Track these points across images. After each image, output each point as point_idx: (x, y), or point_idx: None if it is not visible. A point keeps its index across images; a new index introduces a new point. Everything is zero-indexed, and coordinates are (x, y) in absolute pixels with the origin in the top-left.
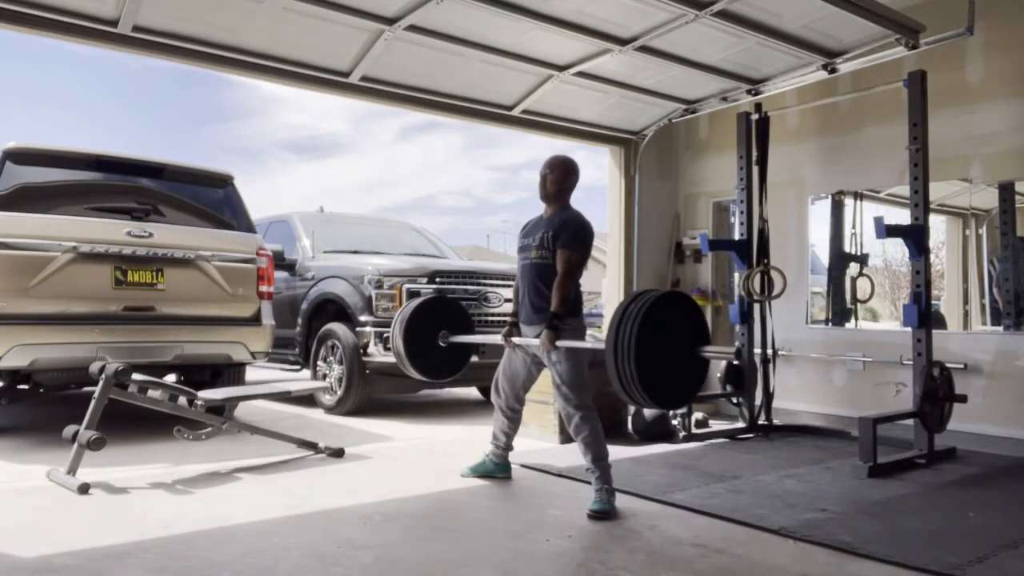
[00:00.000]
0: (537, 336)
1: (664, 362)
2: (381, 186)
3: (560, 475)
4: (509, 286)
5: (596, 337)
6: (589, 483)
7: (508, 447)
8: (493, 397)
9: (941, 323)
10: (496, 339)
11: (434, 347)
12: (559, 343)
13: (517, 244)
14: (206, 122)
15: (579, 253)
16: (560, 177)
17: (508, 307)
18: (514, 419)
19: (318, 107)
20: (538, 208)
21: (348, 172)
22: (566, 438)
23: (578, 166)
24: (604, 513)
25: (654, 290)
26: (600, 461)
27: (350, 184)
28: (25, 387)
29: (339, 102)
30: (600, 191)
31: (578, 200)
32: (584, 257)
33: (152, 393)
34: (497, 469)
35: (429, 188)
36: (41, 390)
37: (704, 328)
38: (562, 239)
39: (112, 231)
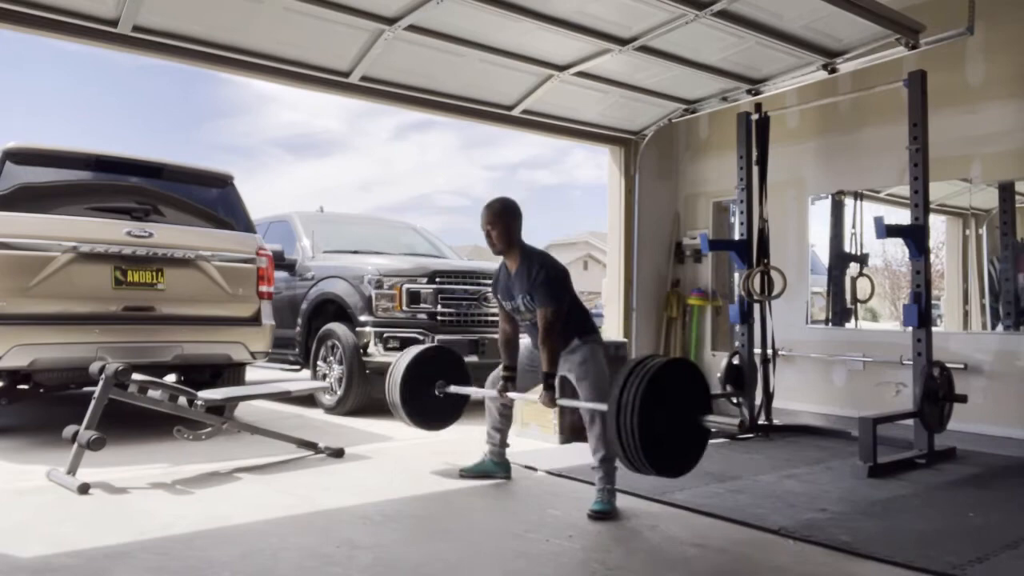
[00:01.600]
0: (567, 370)
1: (667, 430)
2: (377, 185)
3: (560, 475)
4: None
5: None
6: (590, 483)
7: (504, 444)
8: (487, 397)
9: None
10: (492, 392)
11: (431, 398)
12: (553, 397)
13: (504, 306)
14: (198, 120)
15: (555, 307)
16: (504, 230)
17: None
18: (506, 415)
19: (312, 105)
20: (536, 208)
21: (343, 171)
22: (566, 438)
23: (516, 204)
24: (605, 513)
25: (657, 356)
26: (608, 462)
27: (346, 183)
28: (25, 387)
29: (333, 100)
30: (600, 191)
31: (577, 200)
32: (561, 307)
33: (152, 393)
34: (497, 468)
35: (425, 187)
36: (41, 390)
37: (707, 396)
38: (537, 298)
39: (112, 231)
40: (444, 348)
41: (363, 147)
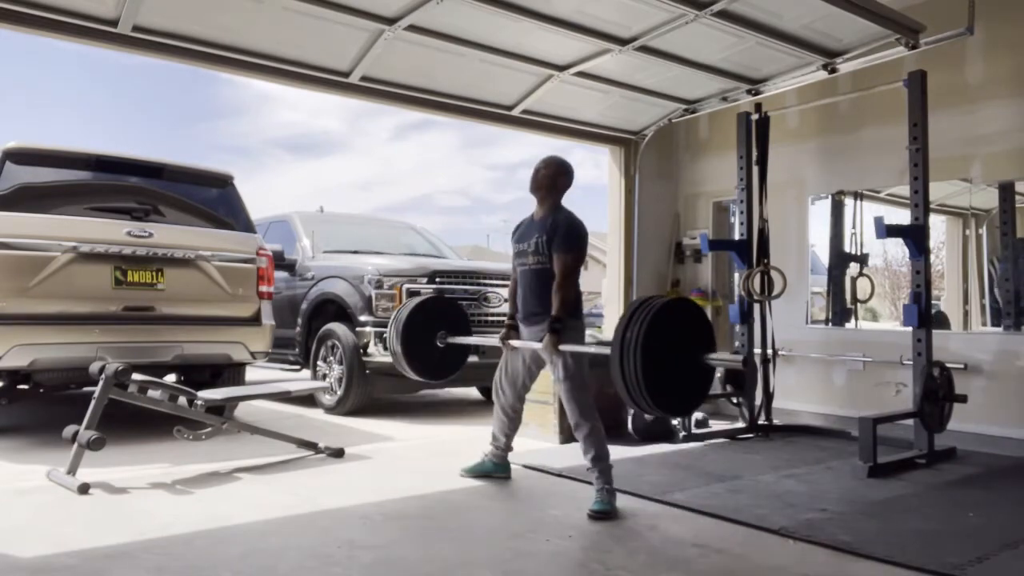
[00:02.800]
0: (539, 339)
1: (669, 368)
2: (377, 185)
3: (560, 475)
4: (508, 286)
5: (596, 337)
6: (589, 483)
7: (508, 447)
8: (495, 397)
9: (944, 323)
10: (494, 341)
11: (432, 347)
12: (562, 347)
13: (512, 247)
14: (197, 120)
15: (575, 255)
16: (554, 174)
17: (507, 307)
18: (515, 419)
19: (311, 105)
20: (527, 211)
21: (343, 171)
22: (566, 438)
23: (573, 171)
24: (605, 513)
25: (660, 296)
26: (601, 461)
27: (346, 183)
28: (25, 387)
29: (332, 100)
30: (600, 191)
31: (577, 200)
32: (580, 258)
33: (152, 393)
34: (496, 469)
35: (426, 187)
36: (41, 390)
37: (710, 335)
38: (556, 243)
39: (112, 231)
40: (446, 299)
41: (363, 147)
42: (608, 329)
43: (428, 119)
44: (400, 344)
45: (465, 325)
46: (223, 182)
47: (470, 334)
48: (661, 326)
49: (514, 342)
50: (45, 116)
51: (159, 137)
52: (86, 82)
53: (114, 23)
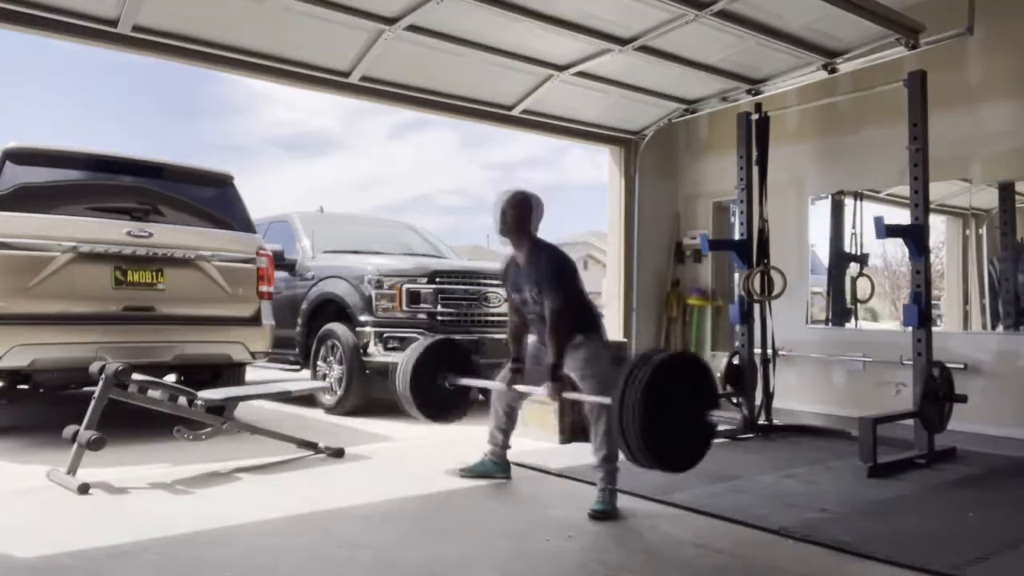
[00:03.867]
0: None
1: (671, 426)
2: (375, 184)
3: (560, 475)
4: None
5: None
6: (589, 483)
7: (506, 446)
8: (493, 397)
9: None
10: (500, 385)
11: (438, 389)
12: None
13: (512, 299)
14: (191, 118)
15: (562, 297)
16: (520, 214)
17: (507, 331)
18: (512, 417)
19: (308, 104)
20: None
21: (341, 170)
22: (566, 438)
23: (540, 201)
24: (605, 514)
25: (661, 351)
26: (610, 462)
27: (344, 182)
28: (25, 387)
29: (329, 99)
30: (597, 190)
31: (575, 199)
32: (571, 297)
33: (152, 393)
34: (496, 469)
35: (425, 187)
36: (41, 390)
37: (713, 391)
38: (544, 290)
39: (112, 231)
40: (453, 340)
41: (360, 146)
42: (608, 331)
43: (425, 118)
44: (408, 389)
45: (471, 364)
46: (223, 182)
47: (478, 373)
48: (663, 382)
49: (520, 387)
50: (32, 113)
51: (152, 135)
52: (75, 79)
53: (114, 23)
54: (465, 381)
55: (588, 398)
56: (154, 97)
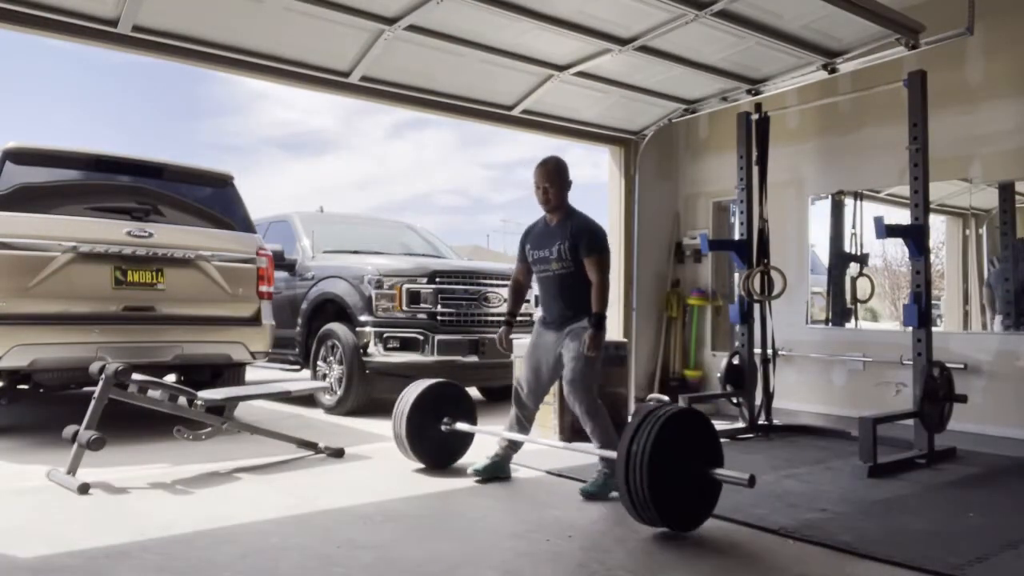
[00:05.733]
0: (564, 341)
1: (676, 483)
2: (374, 184)
3: (560, 475)
4: (508, 286)
5: None
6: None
7: (515, 449)
8: (515, 406)
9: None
10: (496, 429)
11: (436, 432)
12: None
13: (529, 254)
14: (189, 118)
15: (606, 254)
16: (560, 188)
17: (507, 306)
18: (530, 428)
19: (306, 103)
20: (535, 208)
21: (340, 170)
22: (566, 438)
23: (567, 165)
24: (593, 495)
25: (668, 405)
26: (609, 448)
27: (343, 182)
28: (25, 387)
29: (327, 98)
30: (596, 189)
31: (575, 200)
32: (608, 256)
33: (152, 393)
34: (498, 469)
35: (424, 187)
36: (41, 390)
37: (717, 448)
38: (585, 248)
39: (112, 231)
40: (450, 383)
41: (359, 146)
42: (608, 331)
43: (424, 117)
44: (405, 433)
45: (469, 406)
46: (223, 182)
47: (474, 416)
48: (667, 439)
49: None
50: (26, 113)
51: (149, 135)
52: (72, 78)
53: (114, 23)
54: (463, 427)
55: (597, 452)
56: (150, 97)
